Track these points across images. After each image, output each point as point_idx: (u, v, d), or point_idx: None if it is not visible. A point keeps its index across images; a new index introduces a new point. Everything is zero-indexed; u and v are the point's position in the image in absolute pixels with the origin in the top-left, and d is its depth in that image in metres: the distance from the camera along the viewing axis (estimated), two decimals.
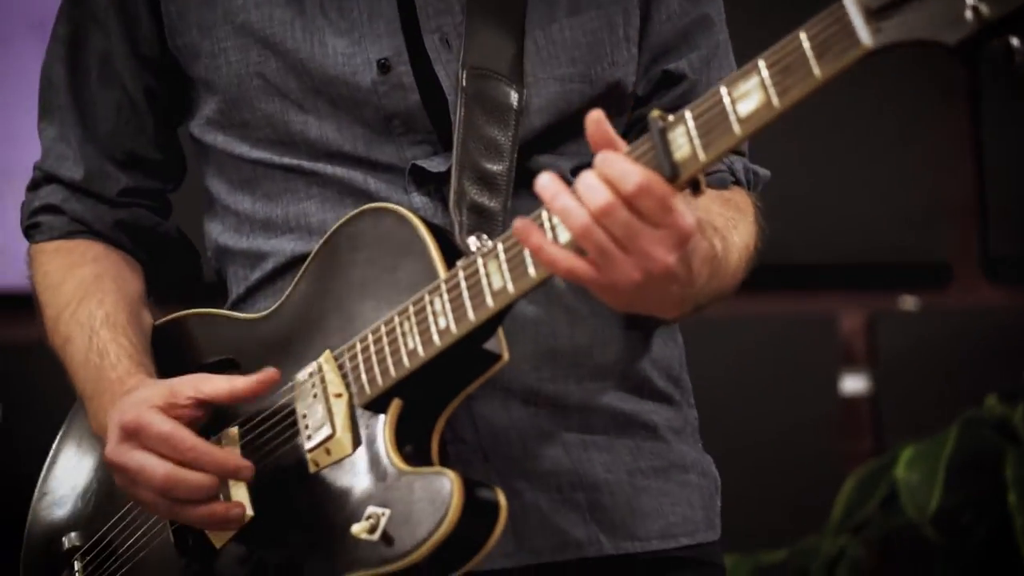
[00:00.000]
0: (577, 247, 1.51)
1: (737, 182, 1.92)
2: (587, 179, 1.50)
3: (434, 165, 1.82)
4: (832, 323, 4.08)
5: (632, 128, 1.88)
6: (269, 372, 1.73)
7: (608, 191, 1.48)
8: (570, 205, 1.50)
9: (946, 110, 4.09)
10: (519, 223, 1.53)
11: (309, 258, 1.82)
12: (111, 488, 1.87)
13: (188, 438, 1.70)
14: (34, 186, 2.01)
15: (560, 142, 1.85)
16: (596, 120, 1.52)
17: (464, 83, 1.80)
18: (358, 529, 1.67)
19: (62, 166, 1.98)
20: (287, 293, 1.84)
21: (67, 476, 2.02)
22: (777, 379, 4.02)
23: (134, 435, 1.71)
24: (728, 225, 1.79)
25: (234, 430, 1.80)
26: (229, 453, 1.74)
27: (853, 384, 4.07)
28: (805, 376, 4.04)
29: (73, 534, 1.95)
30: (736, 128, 1.44)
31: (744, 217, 1.86)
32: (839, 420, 4.04)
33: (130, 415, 1.73)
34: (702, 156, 1.47)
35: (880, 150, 4.06)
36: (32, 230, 2.00)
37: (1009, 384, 3.64)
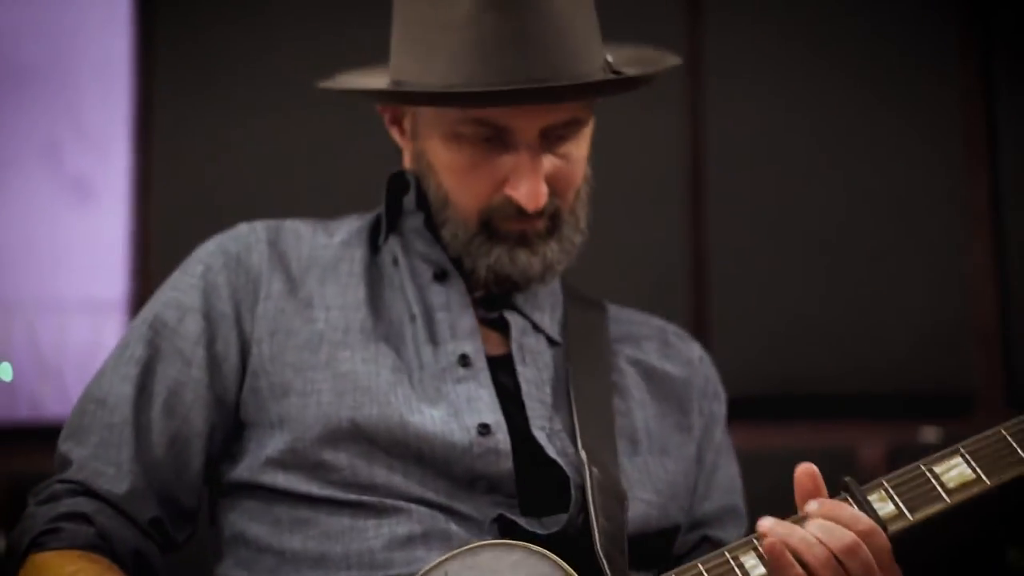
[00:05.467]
0: None
1: None
2: (818, 522, 1.67)
3: (526, 523, 1.85)
4: (851, 455, 3.99)
5: None
6: None
7: (848, 531, 1.66)
8: (811, 538, 1.65)
9: (966, 235, 4.03)
10: (766, 524, 1.68)
11: None
12: None
13: None
14: (52, 498, 1.94)
15: (634, 553, 1.90)
16: (811, 474, 1.71)
17: (587, 462, 1.90)
18: None
19: (99, 479, 1.94)
20: None
21: None
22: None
23: None
24: None
25: None
26: None
27: None
28: None
29: None
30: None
31: None
32: None
33: None
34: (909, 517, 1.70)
35: (900, 278, 4.00)
36: (47, 535, 1.90)
37: None
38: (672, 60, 2.07)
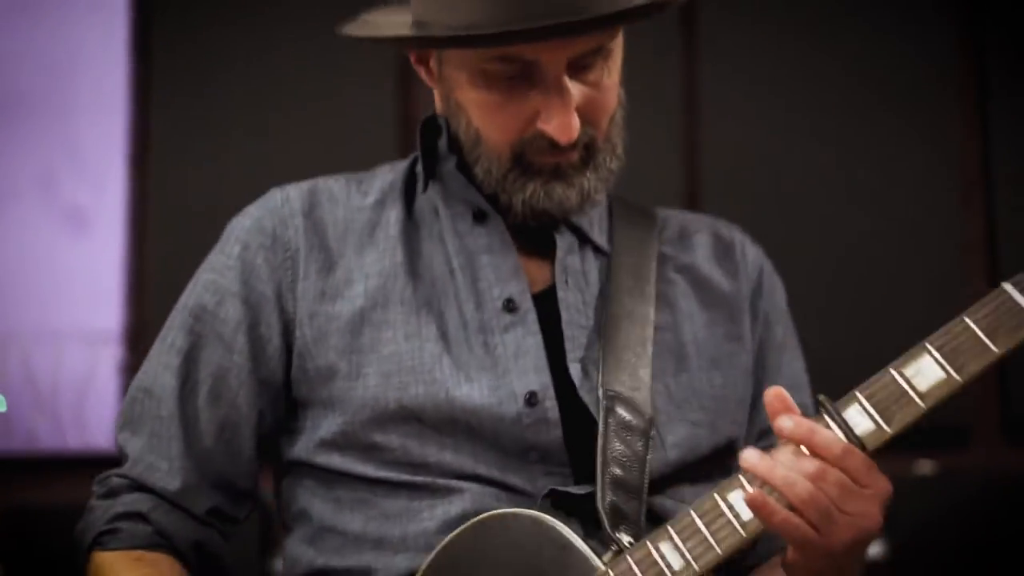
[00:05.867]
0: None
1: None
2: (791, 455, 1.66)
3: (576, 489, 1.83)
4: None
5: None
6: None
7: (815, 459, 1.65)
8: (791, 476, 1.64)
9: (961, 268, 4.03)
10: (750, 460, 1.66)
11: (424, 567, 1.81)
12: None
13: None
14: (111, 493, 1.96)
15: (684, 482, 1.91)
16: (779, 396, 1.69)
17: (604, 402, 1.87)
18: None
19: (153, 475, 1.95)
20: None
21: None
22: None
23: None
24: None
25: None
26: None
27: (870, 550, 3.96)
28: None
29: None
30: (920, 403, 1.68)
31: None
32: None
33: None
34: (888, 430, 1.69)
35: (902, 310, 4.00)
36: (107, 535, 1.94)
37: None
38: None
